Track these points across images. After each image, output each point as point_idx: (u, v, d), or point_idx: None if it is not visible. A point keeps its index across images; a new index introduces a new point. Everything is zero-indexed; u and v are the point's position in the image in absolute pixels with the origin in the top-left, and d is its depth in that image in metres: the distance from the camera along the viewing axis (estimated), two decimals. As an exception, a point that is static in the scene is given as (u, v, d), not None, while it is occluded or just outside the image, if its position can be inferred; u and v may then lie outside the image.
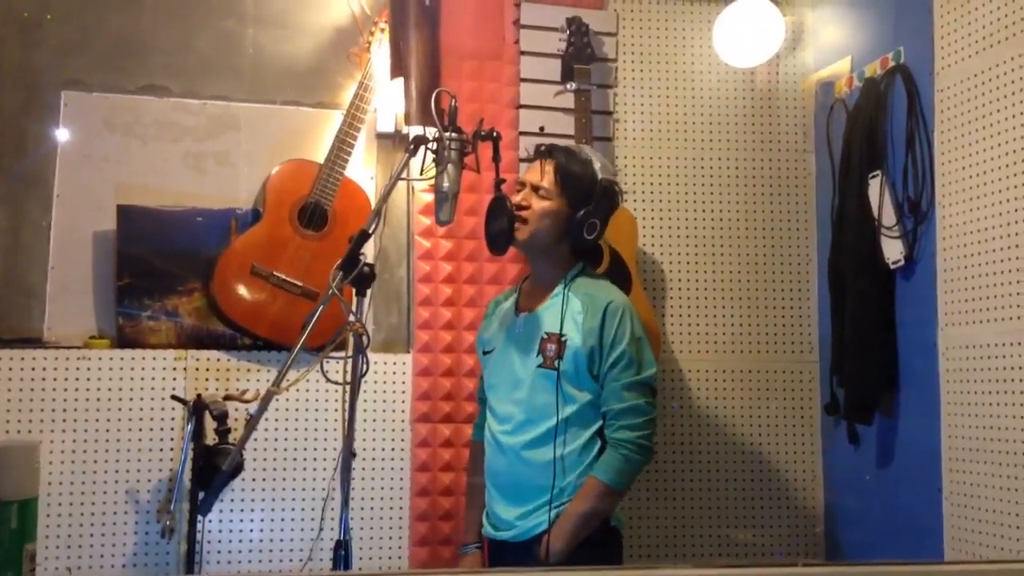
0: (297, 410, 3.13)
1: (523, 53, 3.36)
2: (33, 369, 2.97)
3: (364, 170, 3.30)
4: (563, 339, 2.47)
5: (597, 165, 2.56)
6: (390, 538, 3.17)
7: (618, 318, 2.47)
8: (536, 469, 2.47)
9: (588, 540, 2.44)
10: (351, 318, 2.21)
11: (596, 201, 2.52)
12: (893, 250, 2.97)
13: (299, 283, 3.08)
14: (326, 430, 3.13)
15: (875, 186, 3.02)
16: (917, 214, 2.91)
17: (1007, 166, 2.59)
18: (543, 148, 2.62)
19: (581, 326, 2.47)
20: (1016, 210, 2.56)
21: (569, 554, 2.40)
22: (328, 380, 2.23)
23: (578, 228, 2.52)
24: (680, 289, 3.48)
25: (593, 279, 2.61)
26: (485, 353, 2.68)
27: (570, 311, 2.49)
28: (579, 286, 2.54)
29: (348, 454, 2.19)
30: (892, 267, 2.98)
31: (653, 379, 2.51)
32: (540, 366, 2.49)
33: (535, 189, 2.55)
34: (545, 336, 2.50)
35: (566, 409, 2.46)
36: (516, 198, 2.55)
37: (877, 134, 3.06)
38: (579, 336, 2.46)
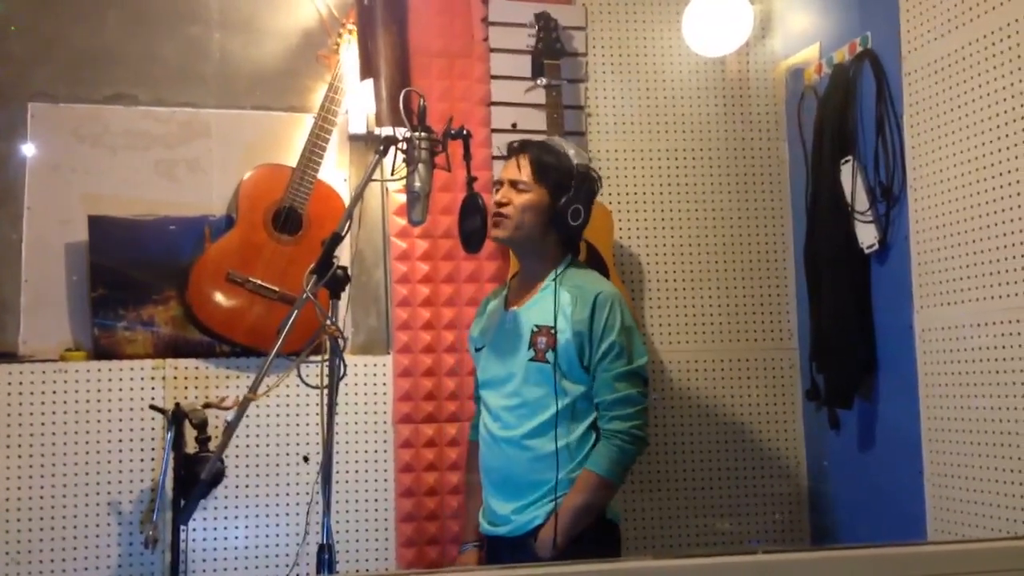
0: (278, 415, 3.12)
1: (492, 50, 3.35)
2: (9, 384, 2.95)
3: (337, 172, 3.29)
4: (554, 332, 2.46)
5: (571, 152, 2.56)
6: (376, 540, 3.16)
7: (608, 309, 2.47)
8: (531, 463, 2.47)
9: (584, 534, 2.43)
10: (327, 321, 2.21)
11: (576, 188, 2.52)
12: (867, 235, 2.98)
13: (275, 288, 3.06)
14: (307, 434, 3.12)
15: (847, 172, 3.04)
16: (889, 198, 2.93)
17: (976, 147, 2.61)
18: (516, 144, 2.62)
19: (571, 318, 2.47)
20: (987, 190, 2.57)
21: (565, 548, 2.39)
22: (306, 384, 2.23)
23: (562, 217, 2.51)
24: (658, 281, 3.48)
25: (582, 271, 2.61)
26: (476, 351, 2.68)
27: (560, 303, 2.48)
28: (568, 278, 2.53)
29: (328, 458, 2.18)
30: (867, 252, 3.00)
31: (645, 369, 2.51)
32: (532, 359, 2.48)
33: (513, 184, 2.54)
34: (535, 329, 2.49)
35: (560, 402, 2.45)
36: (496, 196, 2.55)
37: (847, 119, 3.07)
38: (569, 328, 2.46)
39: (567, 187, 2.51)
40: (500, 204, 2.53)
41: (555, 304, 2.47)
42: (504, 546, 2.53)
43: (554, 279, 2.52)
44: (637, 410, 2.46)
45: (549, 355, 2.46)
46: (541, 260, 2.57)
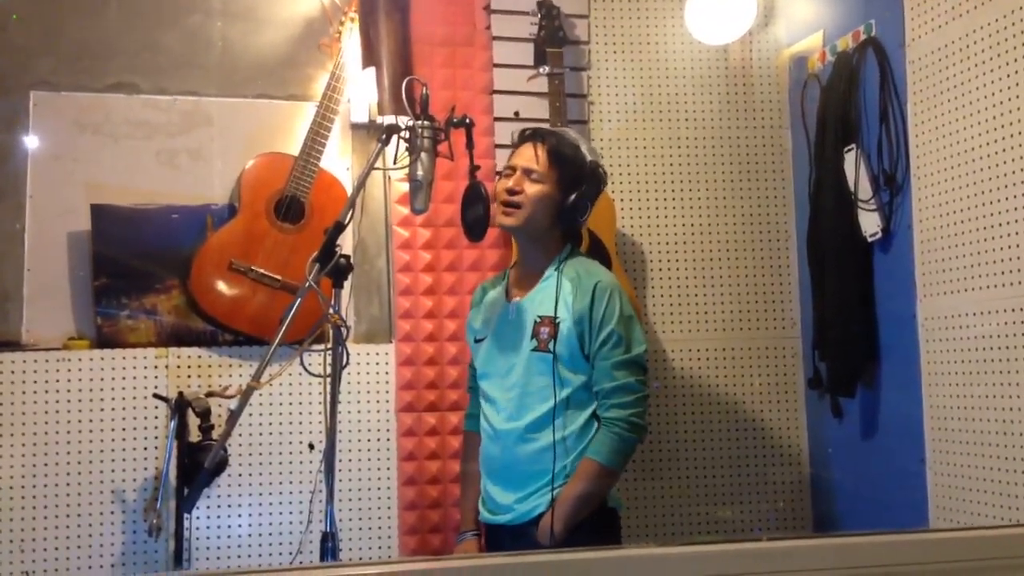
0: (281, 404, 3.12)
1: (495, 38, 3.35)
2: (12, 372, 2.96)
3: (339, 161, 3.29)
4: (556, 322, 2.46)
5: (584, 148, 2.56)
6: (379, 528, 3.17)
7: (607, 298, 2.47)
8: (534, 453, 2.47)
9: (585, 522, 2.43)
10: (329, 310, 2.21)
11: (586, 184, 2.52)
12: (870, 223, 2.98)
13: (278, 277, 3.06)
14: (310, 423, 3.12)
15: (850, 160, 3.03)
16: (893, 187, 2.92)
17: (980, 135, 2.60)
18: (530, 132, 2.60)
19: (571, 307, 2.46)
20: (990, 179, 2.57)
21: (567, 536, 2.39)
22: (309, 373, 2.23)
23: (570, 212, 2.51)
24: (661, 270, 3.48)
25: (582, 260, 2.60)
26: (477, 341, 2.67)
27: (561, 293, 2.48)
28: (569, 268, 2.53)
29: (331, 446, 2.19)
30: (870, 240, 2.99)
31: (643, 357, 2.50)
32: (535, 350, 2.48)
33: (527, 173, 2.52)
34: (538, 320, 2.49)
35: (562, 392, 2.45)
36: (508, 183, 2.52)
37: (851, 108, 3.06)
38: (570, 317, 2.46)
39: (579, 182, 2.51)
40: (512, 192, 2.51)
41: (556, 294, 2.47)
42: (505, 534, 2.53)
43: (556, 269, 2.52)
44: (636, 398, 2.46)
45: (551, 345, 2.46)
46: (544, 250, 2.57)
